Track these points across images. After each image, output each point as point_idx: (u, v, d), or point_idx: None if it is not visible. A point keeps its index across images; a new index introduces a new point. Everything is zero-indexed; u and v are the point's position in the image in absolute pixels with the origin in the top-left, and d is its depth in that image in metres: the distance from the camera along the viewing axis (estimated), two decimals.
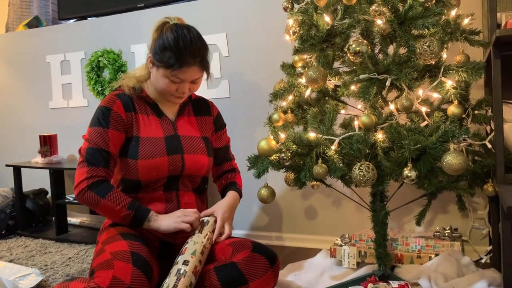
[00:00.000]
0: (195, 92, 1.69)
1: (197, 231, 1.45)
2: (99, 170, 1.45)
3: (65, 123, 3.13)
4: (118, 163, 1.54)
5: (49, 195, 3.08)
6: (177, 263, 1.33)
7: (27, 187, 3.00)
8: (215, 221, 1.52)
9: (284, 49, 1.92)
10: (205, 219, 1.50)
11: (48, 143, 2.91)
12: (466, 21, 1.64)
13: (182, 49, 1.43)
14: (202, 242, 1.40)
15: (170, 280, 1.26)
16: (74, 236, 2.72)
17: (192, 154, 1.56)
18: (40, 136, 2.93)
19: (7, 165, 2.95)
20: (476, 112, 1.64)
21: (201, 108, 1.69)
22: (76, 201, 2.72)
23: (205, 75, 1.54)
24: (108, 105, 1.51)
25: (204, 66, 1.50)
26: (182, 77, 1.47)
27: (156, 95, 1.58)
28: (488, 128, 1.72)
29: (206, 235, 1.44)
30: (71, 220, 2.98)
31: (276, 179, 1.96)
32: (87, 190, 1.43)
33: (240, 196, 1.67)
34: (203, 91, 2.53)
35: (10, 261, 2.22)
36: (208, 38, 2.54)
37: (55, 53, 3.14)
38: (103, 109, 1.50)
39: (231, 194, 1.63)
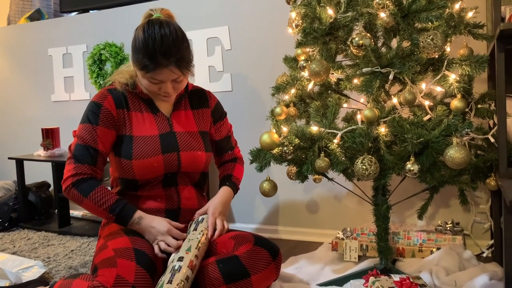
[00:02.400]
0: (192, 83, 1.67)
1: (192, 230, 1.44)
2: (85, 168, 1.42)
3: (67, 116, 3.13)
4: (114, 163, 1.52)
5: (51, 188, 3.10)
6: (172, 261, 1.32)
7: (29, 180, 3.01)
8: None
9: (287, 42, 1.92)
10: (200, 217, 1.50)
11: (50, 136, 2.92)
12: (470, 14, 1.63)
13: (152, 50, 1.34)
14: (197, 238, 1.39)
15: (165, 277, 1.25)
16: (76, 228, 2.73)
17: (189, 151, 1.52)
18: (42, 129, 2.93)
19: (9, 158, 2.95)
20: (479, 106, 1.64)
21: (199, 100, 1.63)
22: None
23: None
24: (99, 101, 1.47)
25: (182, 65, 1.39)
26: (159, 78, 1.40)
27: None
28: (491, 122, 1.71)
29: (202, 231, 1.43)
30: (73, 213, 2.99)
31: (278, 172, 1.97)
32: (71, 187, 1.41)
33: (236, 188, 1.64)
34: (205, 84, 2.53)
35: (13, 253, 2.23)
36: (210, 31, 2.57)
37: (57, 46, 3.14)
38: (94, 105, 1.47)
39: (223, 190, 1.60)
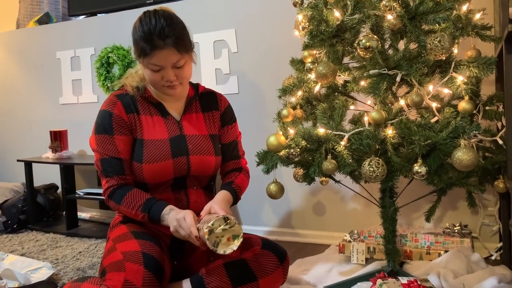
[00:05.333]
0: (204, 85, 1.67)
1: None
2: (114, 180, 1.45)
3: (75, 119, 3.15)
4: None
5: (59, 190, 3.12)
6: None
7: (38, 182, 3.03)
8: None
9: (293, 44, 1.92)
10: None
11: (58, 139, 2.94)
12: (477, 16, 1.62)
13: (147, 33, 1.38)
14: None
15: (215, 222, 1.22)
16: (84, 230, 2.75)
17: (198, 155, 1.51)
18: (50, 132, 2.95)
19: (18, 160, 2.97)
20: (487, 108, 1.63)
21: (209, 102, 1.62)
22: (86, 196, 2.75)
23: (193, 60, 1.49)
24: (109, 109, 1.48)
25: (179, 45, 1.39)
26: (158, 62, 1.40)
27: (158, 94, 1.53)
28: (499, 124, 1.70)
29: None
30: (81, 215, 3.01)
31: (285, 175, 1.96)
32: (108, 200, 1.47)
33: (236, 195, 1.54)
34: (212, 87, 2.53)
35: (22, 255, 2.24)
36: (217, 34, 2.58)
37: (65, 49, 3.16)
38: (105, 114, 1.48)
39: (221, 194, 1.49)
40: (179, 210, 1.40)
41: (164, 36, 1.37)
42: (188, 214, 1.34)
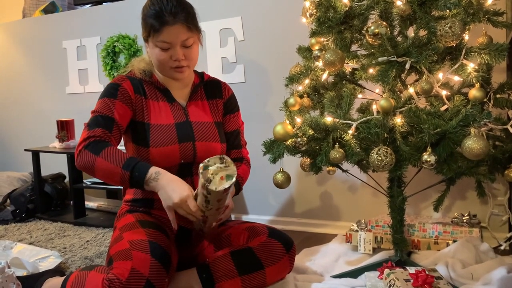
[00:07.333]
0: (209, 74, 1.67)
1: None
2: (97, 131, 1.38)
3: (82, 108, 3.15)
4: (130, 150, 1.52)
5: (66, 180, 3.13)
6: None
7: (45, 171, 3.05)
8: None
9: (301, 32, 1.89)
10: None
11: (65, 128, 2.94)
12: (489, 1, 1.59)
13: (158, 10, 1.41)
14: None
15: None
16: (91, 220, 2.76)
17: (204, 142, 1.52)
18: (57, 121, 2.96)
19: (26, 150, 2.99)
20: (498, 96, 1.60)
21: (213, 90, 1.63)
22: (93, 186, 2.76)
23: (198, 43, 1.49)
24: (117, 82, 1.50)
25: (190, 23, 1.42)
26: (168, 39, 1.41)
27: (165, 80, 1.54)
28: (510, 112, 1.67)
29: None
30: (89, 204, 3.02)
31: (292, 164, 1.95)
32: (83, 150, 1.35)
33: (238, 186, 1.55)
34: (218, 76, 2.52)
35: (30, 244, 2.26)
36: (223, 22, 2.56)
37: (71, 38, 3.15)
38: (112, 84, 1.50)
39: None
40: (168, 182, 1.30)
41: (175, 12, 1.40)
42: (190, 198, 1.28)
